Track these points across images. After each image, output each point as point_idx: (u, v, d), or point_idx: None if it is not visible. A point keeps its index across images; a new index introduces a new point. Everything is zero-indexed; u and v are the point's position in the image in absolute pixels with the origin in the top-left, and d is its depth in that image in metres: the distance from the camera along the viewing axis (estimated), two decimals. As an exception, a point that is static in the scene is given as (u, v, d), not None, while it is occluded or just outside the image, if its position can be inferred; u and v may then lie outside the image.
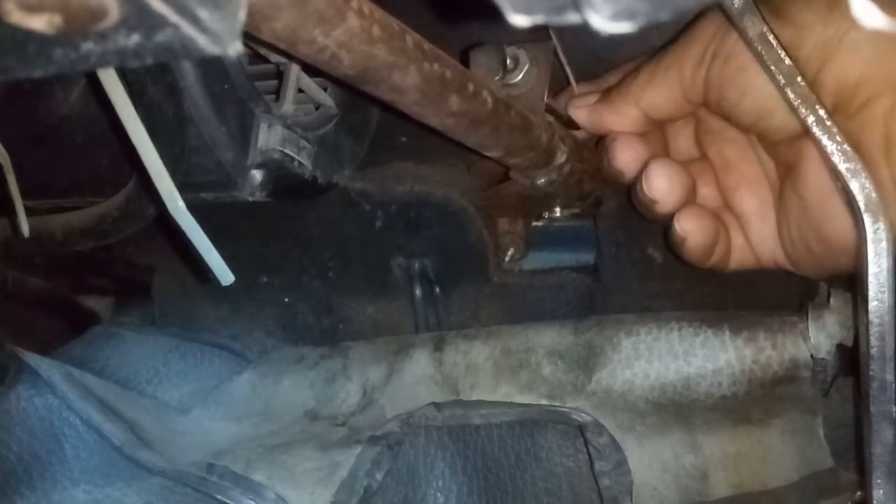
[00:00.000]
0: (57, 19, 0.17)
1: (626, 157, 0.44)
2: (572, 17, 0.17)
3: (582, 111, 0.46)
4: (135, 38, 0.17)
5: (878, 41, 0.35)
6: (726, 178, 0.46)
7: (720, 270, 0.46)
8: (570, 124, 0.47)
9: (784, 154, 0.42)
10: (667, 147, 0.48)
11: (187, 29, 0.17)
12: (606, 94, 0.46)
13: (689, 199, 0.44)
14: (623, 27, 0.16)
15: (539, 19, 0.17)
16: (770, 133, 0.41)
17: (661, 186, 0.43)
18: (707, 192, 0.46)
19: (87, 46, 0.18)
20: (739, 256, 0.46)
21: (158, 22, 0.17)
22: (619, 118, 0.45)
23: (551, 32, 0.45)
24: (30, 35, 0.17)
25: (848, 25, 0.35)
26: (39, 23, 0.17)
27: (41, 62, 0.18)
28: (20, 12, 0.16)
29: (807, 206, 0.41)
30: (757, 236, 0.45)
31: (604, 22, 0.16)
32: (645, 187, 0.43)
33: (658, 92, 0.43)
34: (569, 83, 0.49)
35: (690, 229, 0.43)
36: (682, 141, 0.48)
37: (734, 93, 0.40)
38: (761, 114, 0.40)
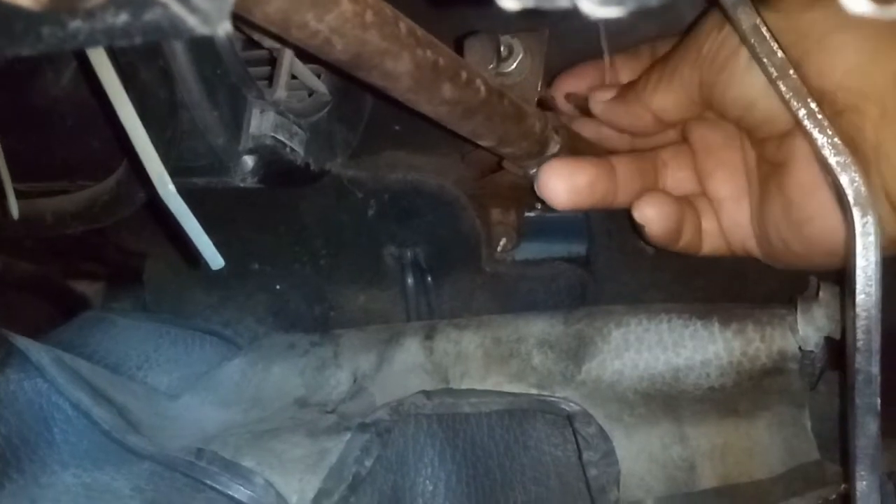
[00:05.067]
0: (44, -4, 0.17)
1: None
2: (562, 2, 0.17)
3: (599, 105, 0.46)
4: (123, 17, 0.17)
5: (863, 44, 0.35)
6: (705, 162, 0.46)
7: (692, 254, 0.47)
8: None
9: (772, 152, 0.42)
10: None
11: (176, 8, 0.17)
12: (623, 93, 0.45)
13: (598, 197, 0.44)
14: (612, 12, 0.16)
15: (529, 4, 0.17)
16: (756, 127, 0.41)
17: (554, 188, 0.44)
18: (683, 176, 0.47)
19: (75, 24, 0.18)
20: (711, 242, 0.46)
21: (147, 0, 0.17)
22: (632, 120, 0.45)
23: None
24: (17, 12, 0.17)
25: (830, 19, 0.35)
26: (26, -1, 0.17)
27: (29, 40, 0.18)
28: (7, -12, 0.16)
29: (791, 204, 0.41)
30: (729, 222, 0.46)
31: (593, 7, 0.16)
32: (537, 187, 0.44)
33: (665, 97, 0.43)
34: (561, 70, 0.48)
35: (650, 216, 0.44)
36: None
37: (720, 86, 0.40)
38: (746, 105, 0.40)
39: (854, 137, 0.36)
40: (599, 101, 0.46)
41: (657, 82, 0.43)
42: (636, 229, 0.45)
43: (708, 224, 0.46)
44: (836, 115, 0.36)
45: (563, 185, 0.43)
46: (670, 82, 0.42)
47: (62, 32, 0.18)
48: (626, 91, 0.45)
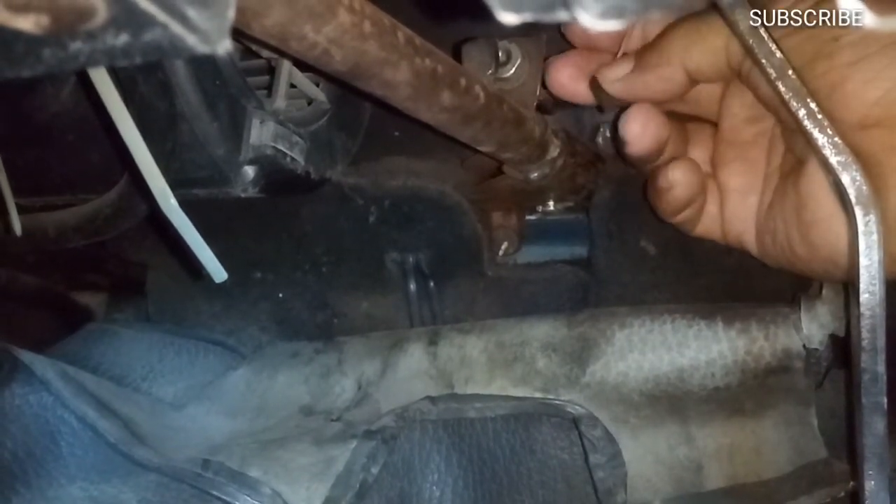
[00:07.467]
0: (44, 19, 0.17)
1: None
2: (562, 15, 0.17)
3: (619, 83, 0.43)
4: (123, 38, 0.17)
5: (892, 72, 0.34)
6: (726, 151, 0.46)
7: (686, 232, 0.47)
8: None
9: (799, 147, 0.41)
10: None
11: (176, 28, 0.17)
12: (642, 59, 0.42)
13: (660, 148, 0.44)
14: (611, 25, 0.16)
15: (528, 17, 0.17)
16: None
17: (634, 130, 0.43)
18: (697, 155, 0.46)
19: (76, 46, 0.18)
20: (707, 224, 0.47)
21: (146, 21, 0.17)
22: (663, 83, 0.42)
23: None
24: (18, 35, 0.17)
25: (858, 47, 0.34)
26: (27, 23, 0.17)
27: (30, 62, 0.18)
28: (7, 12, 0.16)
29: (803, 204, 0.40)
30: (730, 213, 0.46)
31: (593, 20, 0.16)
32: (620, 127, 0.43)
33: (703, 54, 0.40)
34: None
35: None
36: (704, 95, 0.45)
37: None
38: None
39: (880, 155, 0.35)
40: (614, 78, 0.43)
41: (694, 36, 0.40)
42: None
43: (709, 207, 0.46)
44: (862, 130, 0.36)
45: (652, 130, 0.43)
46: (714, 38, 0.39)
47: (63, 54, 0.18)
48: (645, 56, 0.42)
